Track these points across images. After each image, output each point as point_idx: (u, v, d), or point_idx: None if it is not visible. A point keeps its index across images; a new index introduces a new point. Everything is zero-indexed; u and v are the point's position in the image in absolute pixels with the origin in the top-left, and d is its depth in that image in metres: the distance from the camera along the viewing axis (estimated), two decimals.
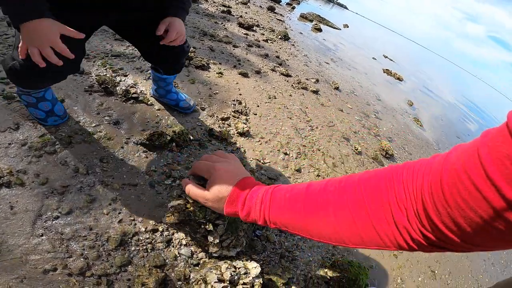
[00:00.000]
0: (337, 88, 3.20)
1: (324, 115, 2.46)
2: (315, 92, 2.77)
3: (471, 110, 7.18)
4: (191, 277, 0.96)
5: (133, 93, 1.60)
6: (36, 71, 0.87)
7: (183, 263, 1.03)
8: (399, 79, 5.71)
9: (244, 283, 0.85)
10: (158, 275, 0.91)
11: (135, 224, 1.06)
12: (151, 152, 1.34)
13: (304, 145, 1.92)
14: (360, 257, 1.42)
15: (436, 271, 1.63)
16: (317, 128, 2.20)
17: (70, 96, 1.43)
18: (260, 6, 5.50)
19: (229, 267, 0.90)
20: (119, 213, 1.07)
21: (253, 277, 0.86)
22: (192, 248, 1.07)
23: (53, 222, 0.96)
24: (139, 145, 1.33)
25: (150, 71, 1.62)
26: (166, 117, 1.57)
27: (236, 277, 0.86)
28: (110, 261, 0.94)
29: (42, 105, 1.03)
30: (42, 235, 0.92)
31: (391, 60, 7.69)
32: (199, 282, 0.90)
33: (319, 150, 1.96)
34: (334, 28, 8.28)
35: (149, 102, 1.60)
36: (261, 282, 0.86)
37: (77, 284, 0.86)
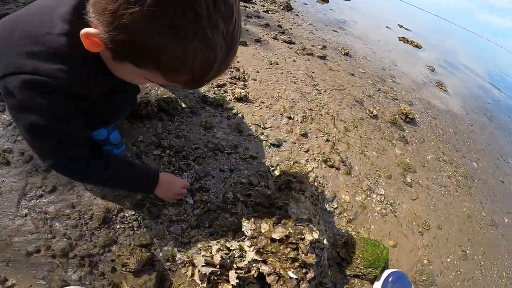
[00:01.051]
0: (347, 54, 2.93)
1: (333, 79, 2.23)
2: (322, 57, 2.53)
3: (496, 78, 6.52)
4: (177, 258, 0.84)
5: None
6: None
7: (172, 241, 0.91)
8: (417, 46, 5.24)
9: (238, 268, 0.69)
10: (142, 255, 0.80)
11: (120, 199, 0.95)
12: (138, 123, 1.22)
13: (310, 108, 1.72)
14: (378, 235, 1.23)
15: (467, 251, 1.41)
16: (325, 91, 1.98)
17: None
18: None
19: (221, 248, 0.76)
20: (102, 188, 0.96)
21: (249, 261, 0.71)
22: (182, 225, 0.96)
23: (37, 201, 0.90)
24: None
25: None
26: (157, 88, 1.43)
27: (228, 260, 0.72)
28: (93, 240, 0.87)
29: (97, 134, 0.96)
30: (26, 215, 0.86)
31: (407, 29, 7.11)
32: (186, 265, 0.77)
33: (328, 114, 1.75)
34: None
35: None
36: (258, 267, 0.70)
37: (61, 266, 0.80)
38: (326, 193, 1.27)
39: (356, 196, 1.34)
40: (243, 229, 0.78)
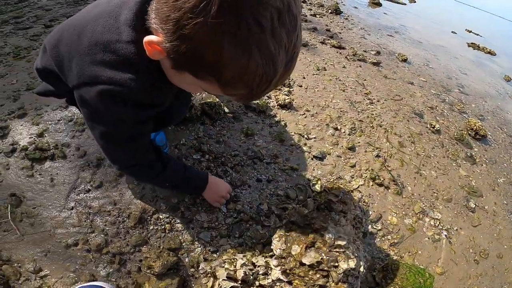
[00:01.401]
0: (405, 60, 2.65)
1: (388, 88, 2.02)
2: (376, 64, 2.32)
3: None
4: (200, 267, 0.81)
5: None
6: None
7: (200, 248, 0.89)
8: (490, 53, 4.55)
9: (261, 285, 0.62)
10: (169, 259, 0.79)
11: (156, 201, 0.96)
12: (182, 125, 1.23)
13: (360, 119, 1.57)
14: (425, 261, 1.04)
15: None
16: (378, 101, 1.80)
17: None
18: None
19: (246, 263, 0.70)
20: (143, 188, 0.98)
21: (273, 279, 0.63)
22: (213, 233, 0.92)
23: (84, 196, 0.95)
24: None
25: None
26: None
27: (251, 277, 0.65)
28: (127, 239, 0.88)
29: None
30: (72, 208, 0.92)
31: (477, 34, 6.26)
32: (208, 275, 0.74)
33: (381, 126, 1.57)
34: (398, 3, 7.20)
35: None
36: None
37: (93, 261, 0.83)
38: (370, 213, 1.13)
39: (406, 218, 1.17)
40: (272, 247, 0.71)
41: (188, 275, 0.83)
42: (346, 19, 3.46)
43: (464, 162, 1.60)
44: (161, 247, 0.87)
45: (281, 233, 0.71)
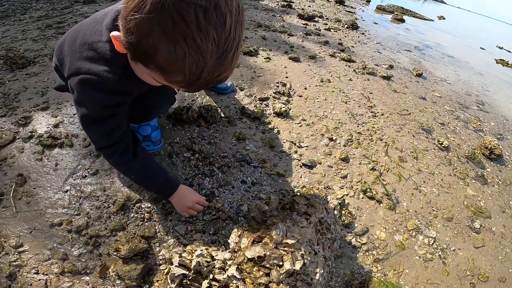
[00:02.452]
0: (419, 75, 2.57)
1: (396, 102, 1.96)
2: (386, 77, 2.27)
3: None
4: (160, 253, 0.84)
5: None
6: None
7: (173, 240, 0.92)
8: None
9: (215, 279, 0.63)
10: (138, 245, 0.82)
11: (142, 191, 1.02)
12: (179, 126, 1.30)
13: (359, 132, 1.54)
14: (411, 281, 0.99)
15: None
16: (382, 115, 1.75)
17: None
18: (327, 0, 5.14)
19: (204, 255, 0.71)
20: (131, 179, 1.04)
21: (228, 276, 0.63)
22: (188, 227, 0.96)
23: (80, 181, 1.03)
24: (170, 118, 1.31)
25: None
26: (203, 96, 1.51)
27: (205, 268, 0.66)
28: (107, 223, 0.93)
29: (142, 129, 1.11)
30: (66, 191, 0.99)
31: (509, 51, 5.89)
32: (166, 262, 0.76)
33: (381, 140, 1.53)
34: (424, 19, 7.01)
35: None
36: (238, 286, 0.62)
37: (70, 241, 0.89)
38: (356, 225, 1.08)
39: (396, 234, 1.11)
40: (229, 240, 0.71)
41: (156, 264, 0.86)
42: (363, 33, 3.45)
43: (474, 181, 1.49)
44: (136, 234, 0.91)
45: (240, 227, 0.72)
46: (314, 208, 0.74)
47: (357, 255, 1.01)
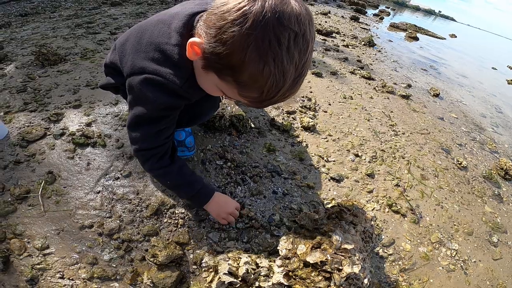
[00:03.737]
0: (437, 95, 2.62)
1: (416, 121, 2.02)
2: (405, 97, 2.34)
3: None
4: (203, 261, 0.83)
5: None
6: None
7: (206, 246, 0.92)
8: None
9: (260, 287, 0.66)
10: (174, 251, 0.82)
11: (176, 196, 1.04)
12: (211, 133, 1.36)
13: (382, 149, 1.59)
14: None
15: None
16: (403, 134, 1.81)
17: None
18: (342, 16, 5.25)
19: (250, 262, 0.73)
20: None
21: (274, 283, 0.67)
22: (222, 234, 0.97)
23: (112, 182, 1.04)
24: (202, 125, 1.38)
25: None
26: (233, 105, 1.59)
27: (252, 276, 0.69)
28: (140, 228, 0.93)
29: (177, 134, 1.12)
30: (98, 192, 0.99)
31: None
32: (209, 270, 0.76)
33: (403, 158, 1.58)
34: (437, 37, 7.11)
35: None
36: None
37: (101, 245, 0.86)
38: (383, 237, 1.13)
39: (420, 246, 1.15)
40: (278, 247, 0.74)
41: (189, 271, 0.85)
42: (379, 51, 3.53)
43: (491, 199, 1.53)
44: (170, 239, 0.91)
45: (289, 235, 0.76)
46: (357, 218, 0.79)
47: (384, 265, 1.05)
